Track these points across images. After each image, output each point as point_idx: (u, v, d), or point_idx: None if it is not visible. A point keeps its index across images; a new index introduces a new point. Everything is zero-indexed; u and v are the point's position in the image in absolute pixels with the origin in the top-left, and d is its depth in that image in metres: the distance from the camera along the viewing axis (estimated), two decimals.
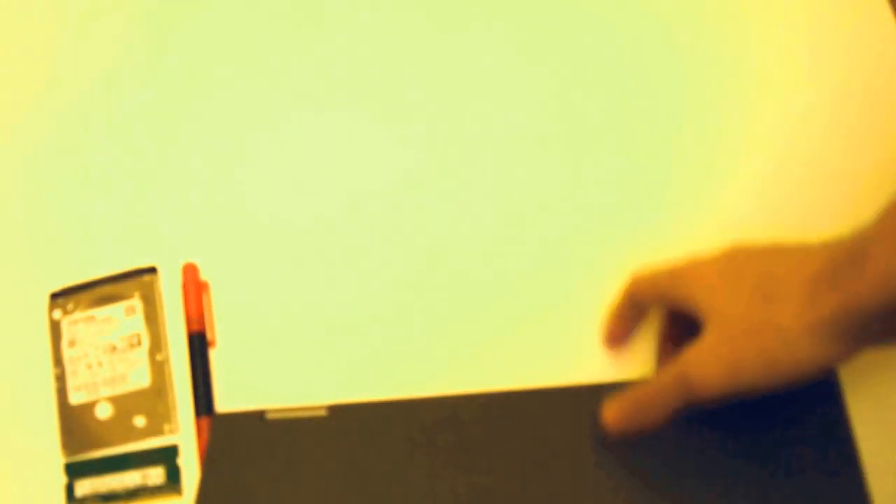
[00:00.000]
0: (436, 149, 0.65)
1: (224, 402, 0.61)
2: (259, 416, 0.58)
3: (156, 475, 0.61)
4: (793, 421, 0.52)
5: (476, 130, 0.65)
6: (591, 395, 0.55)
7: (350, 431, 0.56)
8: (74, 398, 0.63)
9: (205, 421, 0.61)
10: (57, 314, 0.64)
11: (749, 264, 0.51)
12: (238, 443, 0.57)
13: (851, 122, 0.62)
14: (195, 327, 0.62)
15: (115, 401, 0.62)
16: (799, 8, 0.65)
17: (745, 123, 0.63)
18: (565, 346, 0.60)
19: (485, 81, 0.67)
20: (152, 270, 0.64)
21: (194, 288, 0.63)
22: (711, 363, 0.49)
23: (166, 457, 0.61)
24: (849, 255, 0.46)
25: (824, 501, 0.50)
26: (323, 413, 0.57)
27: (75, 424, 0.62)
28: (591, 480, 0.53)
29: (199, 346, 0.62)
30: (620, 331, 0.58)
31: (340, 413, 0.57)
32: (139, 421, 0.62)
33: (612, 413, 0.53)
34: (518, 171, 0.64)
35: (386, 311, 0.62)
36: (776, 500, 0.51)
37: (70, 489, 0.62)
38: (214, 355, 0.62)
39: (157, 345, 0.63)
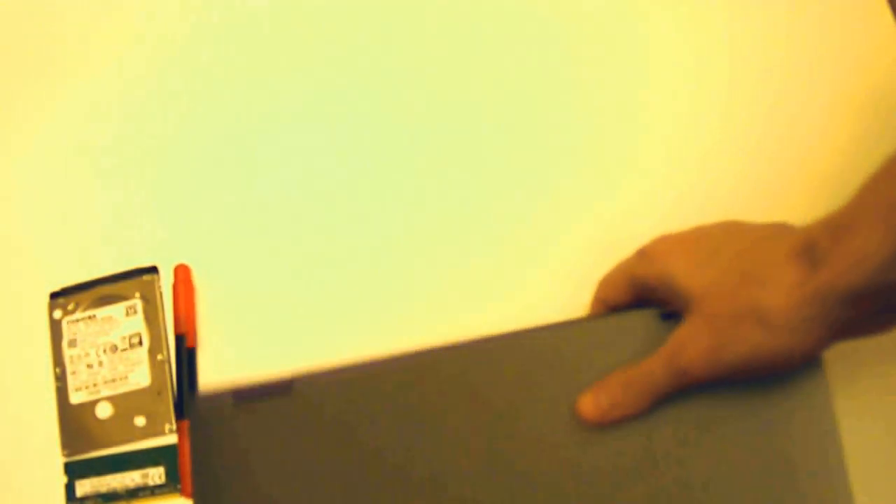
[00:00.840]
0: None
1: None
2: (231, 394, 0.57)
3: (156, 475, 0.61)
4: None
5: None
6: (559, 335, 0.54)
7: (321, 398, 0.56)
8: (75, 398, 0.63)
9: (186, 424, 0.61)
10: (57, 314, 0.64)
11: (723, 240, 0.50)
12: (217, 428, 0.57)
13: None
14: (182, 329, 0.62)
15: (116, 400, 0.62)
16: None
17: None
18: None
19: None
20: (153, 270, 0.64)
21: (184, 289, 0.63)
22: (697, 347, 0.48)
23: (167, 456, 0.61)
24: (828, 232, 0.45)
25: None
26: (289, 382, 0.57)
27: (76, 424, 0.62)
28: (570, 428, 0.53)
29: (186, 348, 0.62)
30: None
31: (306, 382, 0.57)
32: (139, 421, 0.62)
33: (589, 406, 0.51)
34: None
35: (373, 313, 0.62)
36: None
37: (70, 488, 0.62)
38: (203, 357, 0.62)
39: (157, 345, 0.63)
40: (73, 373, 0.63)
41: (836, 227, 0.45)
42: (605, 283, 0.55)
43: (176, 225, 0.65)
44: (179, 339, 0.62)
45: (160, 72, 0.69)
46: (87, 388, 0.63)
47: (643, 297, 0.53)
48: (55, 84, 0.70)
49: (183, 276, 0.63)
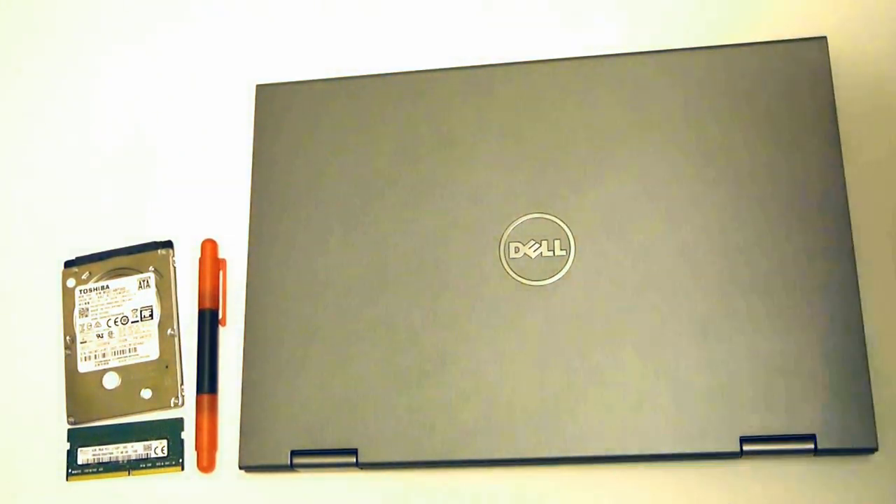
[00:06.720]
0: None
1: (228, 382, 0.62)
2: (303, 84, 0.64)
3: (159, 447, 0.62)
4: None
5: None
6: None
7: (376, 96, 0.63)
8: (83, 366, 0.63)
9: (205, 398, 0.61)
10: (71, 282, 0.65)
11: None
12: (283, 112, 0.63)
13: None
14: (207, 304, 0.63)
15: (123, 372, 0.63)
16: None
17: None
18: None
19: None
20: (168, 244, 0.65)
21: (211, 264, 0.63)
22: None
23: (170, 430, 0.62)
24: None
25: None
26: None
27: (82, 392, 0.63)
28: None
29: (209, 323, 0.62)
30: None
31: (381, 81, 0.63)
32: (145, 393, 0.62)
33: None
34: None
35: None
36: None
37: (72, 455, 0.62)
38: (222, 333, 0.63)
39: (168, 319, 0.63)
40: (83, 342, 0.64)
41: None
42: None
43: (197, 201, 0.66)
44: (202, 313, 0.63)
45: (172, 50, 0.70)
46: (95, 357, 0.63)
47: None
48: (65, 58, 0.70)
49: (209, 251, 0.64)
